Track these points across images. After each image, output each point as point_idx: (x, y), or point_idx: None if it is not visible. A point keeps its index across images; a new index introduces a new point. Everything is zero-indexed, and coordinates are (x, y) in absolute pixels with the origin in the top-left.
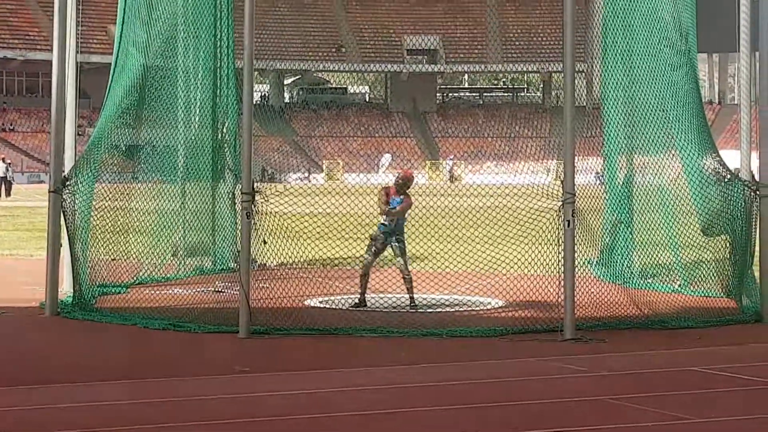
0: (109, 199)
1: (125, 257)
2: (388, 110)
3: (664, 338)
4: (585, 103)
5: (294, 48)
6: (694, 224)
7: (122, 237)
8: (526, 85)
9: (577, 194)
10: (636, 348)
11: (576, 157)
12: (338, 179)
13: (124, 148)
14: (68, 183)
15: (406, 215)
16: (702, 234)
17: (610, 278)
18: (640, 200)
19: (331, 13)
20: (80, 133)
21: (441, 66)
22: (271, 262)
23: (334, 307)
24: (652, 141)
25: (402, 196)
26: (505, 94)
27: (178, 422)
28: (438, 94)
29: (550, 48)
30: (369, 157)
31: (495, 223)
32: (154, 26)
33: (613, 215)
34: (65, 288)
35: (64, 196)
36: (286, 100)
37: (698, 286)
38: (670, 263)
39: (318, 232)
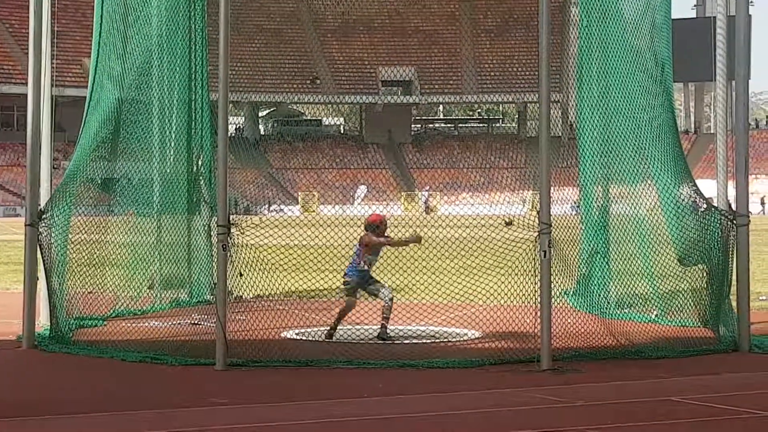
0: (85, 232)
1: (102, 290)
2: (363, 142)
3: (641, 368)
4: (561, 133)
5: (268, 80)
6: (671, 254)
7: (99, 270)
8: (501, 116)
9: (553, 224)
10: (613, 378)
11: (552, 188)
12: (314, 211)
13: (99, 181)
14: (44, 216)
15: (377, 260)
16: (679, 264)
17: (586, 308)
18: (616, 230)
19: (306, 44)
20: (56, 166)
21: (416, 97)
22: (248, 295)
23: (310, 338)
24: (628, 171)
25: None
26: (481, 125)
27: None
28: (413, 125)
29: (525, 78)
30: (344, 189)
31: (471, 254)
32: (128, 59)
33: (590, 245)
34: (42, 321)
35: (40, 230)
36: (261, 132)
37: (675, 316)
38: (646, 293)
39: (294, 264)
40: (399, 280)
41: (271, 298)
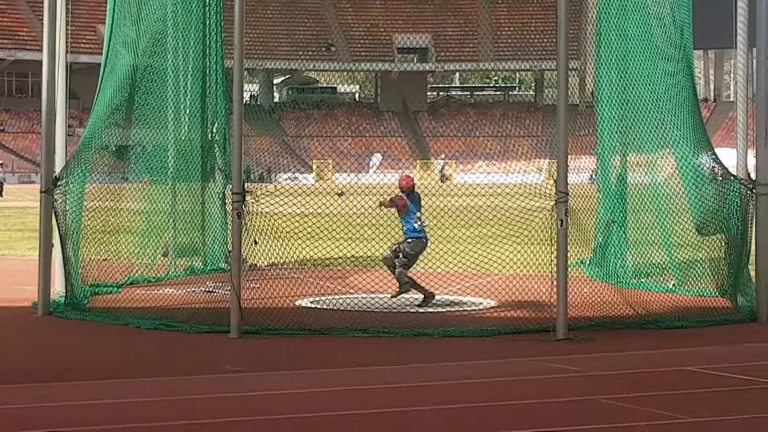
0: (100, 199)
1: (117, 257)
2: (378, 109)
3: (657, 338)
4: (578, 102)
5: (283, 47)
6: (689, 223)
7: (113, 237)
8: (517, 84)
9: (570, 193)
10: (629, 348)
11: (569, 156)
12: (328, 179)
13: (114, 149)
14: (59, 183)
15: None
16: (697, 233)
17: (603, 278)
18: (633, 199)
19: (321, 11)
20: (70, 133)
21: (432, 64)
22: (262, 263)
23: (324, 307)
24: (646, 139)
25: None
26: (497, 93)
27: (168, 421)
28: (429, 93)
29: (542, 46)
30: (359, 157)
31: (486, 223)
32: (143, 25)
33: (607, 214)
34: (57, 288)
35: (55, 197)
36: (276, 99)
37: (693, 286)
38: (664, 263)
39: (308, 233)
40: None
41: (285, 266)
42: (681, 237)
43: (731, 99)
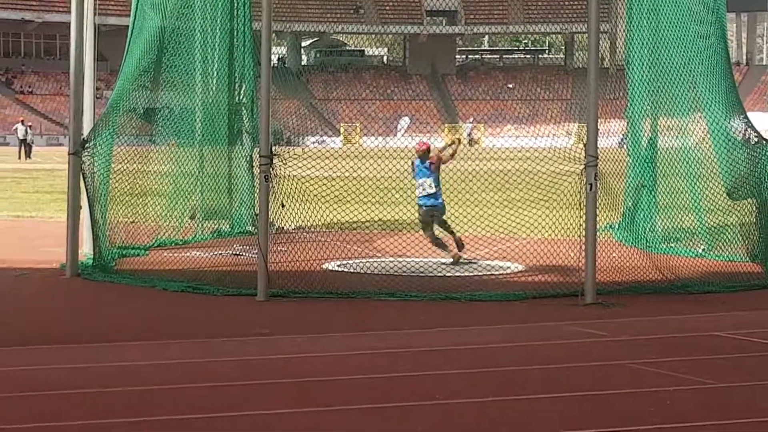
0: (128, 161)
1: (144, 220)
2: (407, 73)
3: (686, 303)
4: (608, 65)
5: (311, 9)
6: (720, 187)
7: (141, 200)
8: (547, 47)
9: (599, 157)
10: (658, 313)
11: (599, 120)
12: (356, 142)
13: (141, 111)
14: (87, 146)
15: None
16: (727, 197)
17: (632, 242)
18: (663, 163)
19: None
20: (98, 95)
21: (460, 27)
22: (289, 226)
23: (352, 270)
24: (678, 103)
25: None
26: (526, 56)
27: (195, 383)
28: (457, 56)
29: (572, 8)
30: (387, 120)
31: (515, 187)
32: None
33: (636, 178)
34: (85, 250)
35: (83, 159)
36: (303, 62)
37: (723, 251)
38: (693, 227)
39: (336, 196)
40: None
41: (312, 229)
42: (711, 201)
43: (764, 62)
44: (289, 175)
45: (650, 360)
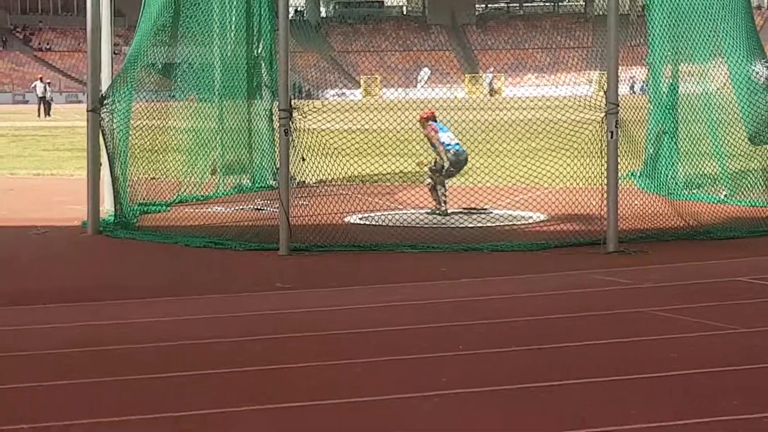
0: (147, 117)
1: (164, 176)
2: (426, 23)
3: (709, 249)
4: (628, 11)
5: None
6: (741, 133)
7: (161, 156)
8: None
9: (620, 105)
10: (681, 260)
11: (620, 67)
12: (376, 95)
13: (160, 66)
14: (106, 102)
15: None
16: (749, 142)
17: (653, 189)
18: (684, 109)
19: None
20: (116, 51)
21: None
22: (310, 180)
23: (373, 223)
24: (698, 48)
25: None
26: (546, 4)
27: (221, 338)
28: (477, 6)
29: None
30: (407, 72)
31: (536, 136)
32: None
33: (658, 125)
34: (106, 207)
35: (102, 115)
36: (322, 14)
37: (745, 196)
38: (715, 173)
39: (356, 149)
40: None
41: (333, 182)
42: (733, 147)
43: None
44: (309, 129)
45: (673, 306)
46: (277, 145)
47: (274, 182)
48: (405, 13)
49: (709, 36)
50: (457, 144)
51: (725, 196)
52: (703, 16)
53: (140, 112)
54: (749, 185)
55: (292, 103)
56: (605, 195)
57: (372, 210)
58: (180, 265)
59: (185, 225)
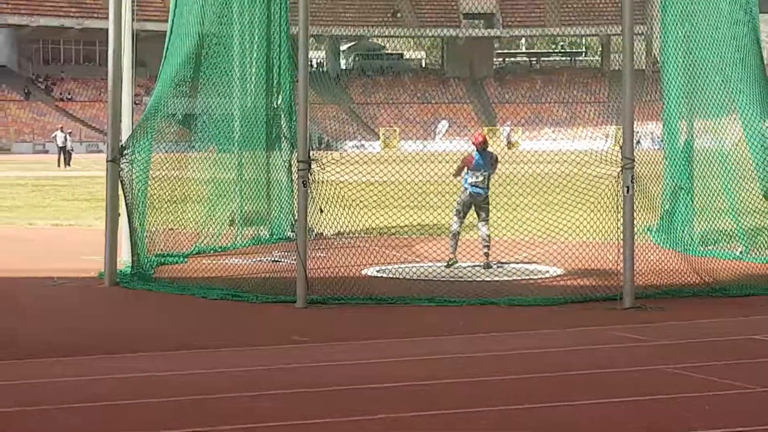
0: (166, 168)
1: (183, 227)
2: (445, 76)
3: (725, 306)
4: (644, 67)
5: (350, 14)
6: (756, 189)
7: (180, 206)
8: (584, 49)
9: (636, 160)
10: (697, 316)
11: (635, 122)
12: (395, 147)
13: (180, 117)
14: (125, 152)
15: (491, 181)
16: (764, 199)
17: (670, 245)
18: (700, 165)
19: None
20: (137, 102)
21: (498, 30)
22: (328, 231)
23: (391, 276)
24: (713, 104)
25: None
26: (563, 58)
27: (238, 392)
28: (495, 59)
29: (608, 10)
30: (425, 124)
31: (553, 190)
32: None
33: (673, 181)
34: (124, 258)
35: (121, 166)
36: (342, 66)
37: (760, 253)
38: (731, 230)
39: (375, 201)
40: None
41: (351, 235)
42: (748, 203)
43: None
44: (327, 180)
45: (689, 364)
46: (296, 196)
47: (292, 234)
48: (424, 65)
49: (723, 92)
50: (476, 187)
51: (741, 252)
52: (718, 73)
53: (160, 163)
54: (765, 242)
55: (311, 154)
56: (621, 250)
57: (389, 262)
58: (196, 317)
59: (202, 276)
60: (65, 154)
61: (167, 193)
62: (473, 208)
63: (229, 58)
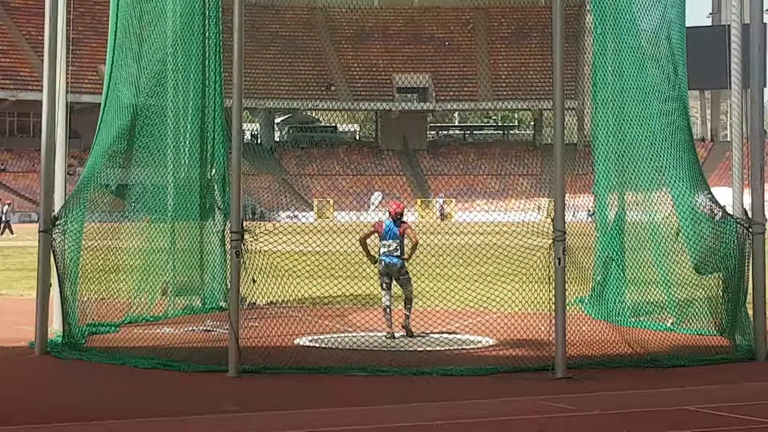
0: (99, 238)
1: (115, 296)
2: (379, 148)
3: (656, 377)
4: (576, 141)
5: (284, 86)
6: (687, 262)
7: (112, 276)
8: (517, 123)
9: (568, 231)
10: (628, 387)
11: (567, 195)
12: (328, 217)
13: (114, 187)
14: (58, 222)
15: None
16: (695, 272)
17: (601, 316)
18: (631, 237)
19: (321, 51)
20: (71, 172)
21: (431, 104)
22: (261, 301)
23: (324, 345)
24: (643, 178)
25: (399, 224)
26: (496, 132)
27: None
28: (428, 132)
29: (540, 85)
30: (359, 195)
31: (486, 261)
32: (143, 63)
33: (605, 252)
34: (55, 327)
35: (53, 236)
36: (276, 138)
37: (691, 324)
38: (662, 301)
39: (308, 271)
40: (414, 286)
41: (284, 304)
42: (679, 275)
43: (728, 139)
44: (260, 250)
45: None
46: (228, 266)
47: (224, 303)
48: (358, 138)
49: (653, 166)
50: (389, 256)
51: (672, 324)
52: (647, 147)
53: (92, 233)
54: (695, 313)
55: (244, 225)
56: (553, 321)
57: (322, 332)
58: (127, 386)
59: (134, 346)
60: (4, 224)
61: (99, 263)
62: (393, 279)
63: (163, 130)
